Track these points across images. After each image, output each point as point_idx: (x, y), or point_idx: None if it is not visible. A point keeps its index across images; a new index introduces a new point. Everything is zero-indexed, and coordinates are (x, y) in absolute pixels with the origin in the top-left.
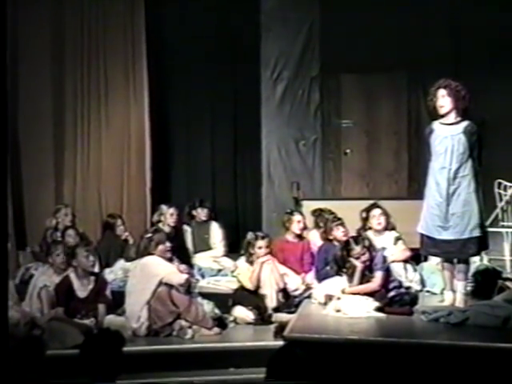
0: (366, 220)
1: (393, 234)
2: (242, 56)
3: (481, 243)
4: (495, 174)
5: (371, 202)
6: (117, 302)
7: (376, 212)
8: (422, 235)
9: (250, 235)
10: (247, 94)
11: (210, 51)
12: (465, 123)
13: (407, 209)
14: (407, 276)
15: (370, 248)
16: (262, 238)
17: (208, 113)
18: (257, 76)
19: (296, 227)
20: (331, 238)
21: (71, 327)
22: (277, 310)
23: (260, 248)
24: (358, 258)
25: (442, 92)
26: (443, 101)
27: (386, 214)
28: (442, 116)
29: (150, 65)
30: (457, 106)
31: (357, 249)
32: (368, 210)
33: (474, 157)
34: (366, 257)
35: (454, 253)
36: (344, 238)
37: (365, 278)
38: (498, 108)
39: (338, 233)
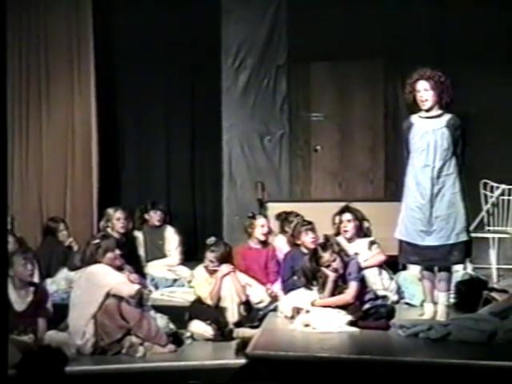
0: (340, 225)
1: (366, 240)
2: (200, 42)
3: (467, 249)
4: (480, 174)
5: (344, 204)
6: (59, 315)
7: (345, 217)
8: (401, 242)
9: (208, 240)
10: (206, 84)
11: (164, 37)
12: (447, 116)
13: (384, 211)
14: (383, 284)
15: (341, 253)
16: (211, 250)
17: (162, 106)
18: (216, 64)
19: (259, 232)
20: (299, 242)
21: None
22: (238, 324)
23: (206, 258)
24: (328, 267)
25: (423, 84)
26: (426, 94)
27: (357, 219)
28: (421, 109)
29: (97, 53)
30: (440, 99)
31: (325, 256)
32: (340, 214)
33: (458, 153)
34: (336, 264)
35: (439, 260)
36: (312, 245)
37: (337, 288)
38: (484, 100)
39: (307, 238)
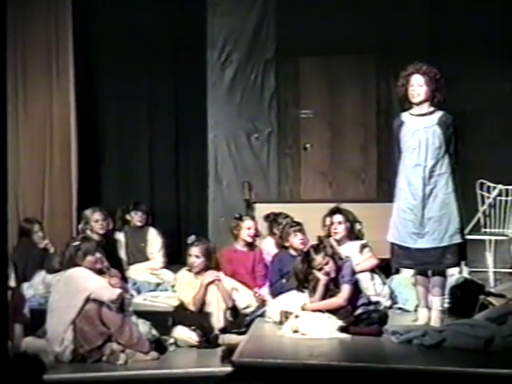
0: (331, 227)
1: (357, 243)
2: (184, 35)
3: (461, 252)
4: (477, 174)
5: (334, 205)
6: (36, 321)
7: (335, 218)
8: (393, 245)
9: (188, 240)
10: (191, 79)
11: (147, 30)
12: (439, 113)
13: (376, 213)
14: (375, 289)
15: (335, 256)
16: (196, 244)
17: (145, 101)
18: (202, 59)
19: (245, 234)
20: (287, 244)
21: None
22: (224, 330)
23: (190, 256)
24: (320, 270)
25: (418, 79)
26: (419, 89)
27: (348, 220)
28: (411, 106)
29: (76, 46)
30: (433, 96)
31: (318, 259)
32: (331, 215)
33: (451, 152)
34: (329, 267)
35: (432, 264)
36: (301, 247)
37: (328, 292)
38: (481, 96)
39: (296, 240)
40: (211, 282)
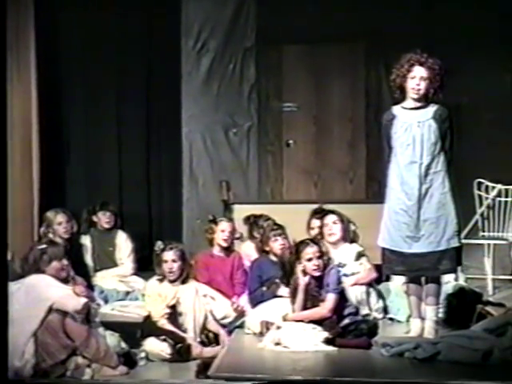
0: (323, 228)
1: (354, 249)
2: (157, 21)
3: (458, 257)
4: (474, 172)
5: (318, 206)
6: None
7: (329, 219)
8: (384, 250)
9: (157, 245)
10: (163, 69)
11: (117, 16)
12: (434, 107)
13: (365, 215)
14: (369, 305)
15: (325, 256)
16: (170, 248)
17: (113, 93)
18: (176, 47)
19: (220, 238)
20: (267, 249)
21: None
22: (200, 342)
23: (166, 262)
24: (309, 260)
25: (421, 72)
26: (422, 83)
27: (342, 220)
28: (404, 98)
29: (38, 35)
30: (434, 93)
31: (312, 248)
32: (321, 217)
33: (447, 149)
34: (319, 262)
35: (428, 270)
36: (281, 253)
37: (310, 298)
38: (478, 89)
39: (276, 245)
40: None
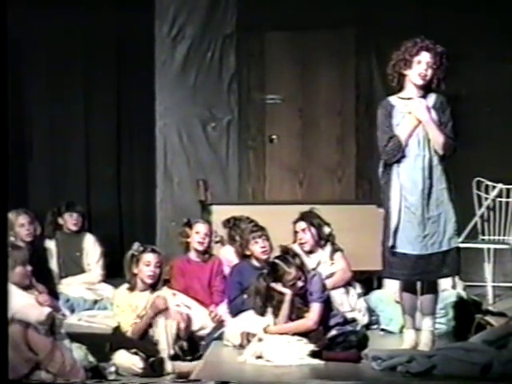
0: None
1: (327, 250)
2: (129, 5)
3: (459, 258)
4: (473, 171)
5: (307, 207)
6: None
7: (298, 226)
8: (384, 252)
9: (135, 246)
10: (136, 58)
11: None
12: (433, 96)
13: (355, 216)
14: (350, 303)
15: (303, 268)
16: (150, 251)
17: (80, 84)
18: (149, 33)
19: (195, 241)
20: (248, 253)
21: None
22: (175, 357)
23: (148, 265)
24: (293, 285)
25: (429, 58)
26: (429, 71)
27: (312, 225)
28: (402, 88)
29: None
30: (437, 78)
31: (291, 272)
32: (294, 222)
33: None
34: (302, 281)
35: (432, 273)
36: (264, 257)
37: (295, 311)
38: (478, 80)
39: (256, 248)
40: (160, 312)
